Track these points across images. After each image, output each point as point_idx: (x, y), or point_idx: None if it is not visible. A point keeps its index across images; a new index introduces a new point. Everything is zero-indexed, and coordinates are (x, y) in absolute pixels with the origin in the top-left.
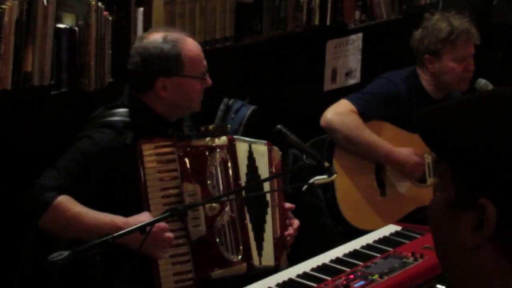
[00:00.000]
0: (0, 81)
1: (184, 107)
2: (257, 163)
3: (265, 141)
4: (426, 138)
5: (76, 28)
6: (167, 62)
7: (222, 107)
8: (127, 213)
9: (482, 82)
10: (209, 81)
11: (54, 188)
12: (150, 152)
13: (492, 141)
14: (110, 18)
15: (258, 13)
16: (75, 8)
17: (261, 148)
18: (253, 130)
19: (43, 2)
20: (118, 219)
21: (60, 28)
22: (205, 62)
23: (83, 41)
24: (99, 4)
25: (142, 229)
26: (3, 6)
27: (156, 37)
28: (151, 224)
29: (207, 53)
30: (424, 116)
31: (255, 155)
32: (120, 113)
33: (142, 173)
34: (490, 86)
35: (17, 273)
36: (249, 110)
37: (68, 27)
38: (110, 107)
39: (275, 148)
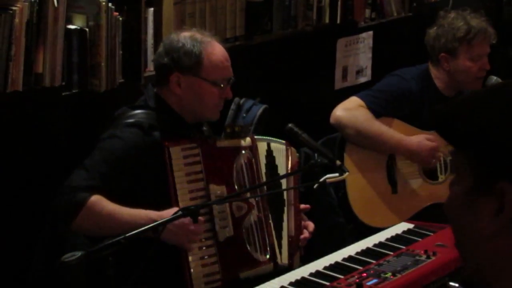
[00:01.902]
0: (11, 82)
1: (198, 111)
2: (277, 162)
3: (284, 141)
4: (442, 130)
5: (87, 29)
6: (185, 58)
7: (233, 106)
8: (155, 209)
9: (493, 79)
10: (230, 93)
11: (86, 188)
12: (177, 155)
13: (509, 125)
14: (121, 19)
15: (268, 12)
16: (86, 9)
17: (280, 147)
18: (264, 129)
19: (53, 3)
20: (152, 213)
21: (70, 29)
22: (228, 72)
23: (94, 42)
24: (109, 4)
25: (154, 229)
26: (14, 8)
27: (185, 33)
28: (163, 224)
29: None
30: (439, 110)
31: (274, 153)
32: (145, 113)
33: (170, 176)
34: None
35: (30, 272)
36: (260, 109)
37: (78, 28)
38: (133, 107)
39: (293, 148)
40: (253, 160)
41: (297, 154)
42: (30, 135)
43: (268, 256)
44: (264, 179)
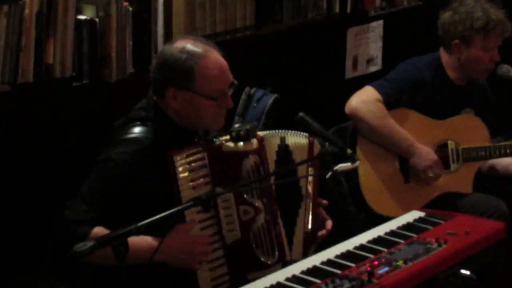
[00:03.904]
0: (22, 73)
1: (198, 124)
2: (294, 156)
3: (306, 134)
4: None
5: (97, 20)
6: (177, 74)
7: (243, 96)
8: (162, 226)
9: (504, 67)
10: (229, 103)
11: (86, 221)
12: (181, 162)
13: None
14: (130, 9)
15: (278, 2)
16: (95, 0)
17: (300, 141)
18: (275, 118)
19: None
20: (154, 241)
21: (80, 20)
22: (224, 83)
23: (104, 32)
24: None
25: (167, 219)
26: None
27: (178, 45)
28: (177, 212)
29: (228, 42)
30: None
31: (291, 148)
32: (142, 127)
33: (175, 185)
34: None
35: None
36: (271, 99)
37: (88, 18)
38: (131, 119)
39: (316, 141)
40: (261, 164)
41: (319, 146)
42: (41, 126)
43: (275, 259)
44: (273, 177)
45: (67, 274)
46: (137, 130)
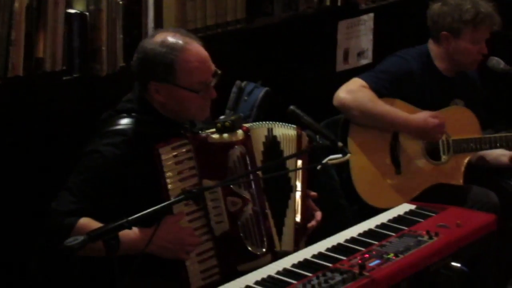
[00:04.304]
0: (12, 67)
1: (182, 116)
2: (282, 147)
3: (294, 126)
4: None
5: (87, 13)
6: (158, 68)
7: (234, 89)
8: (151, 218)
9: (494, 59)
10: (213, 93)
11: (73, 212)
12: (167, 155)
13: None
14: (121, 3)
15: None
16: None
17: (289, 132)
18: (266, 112)
19: None
20: (141, 231)
21: (71, 13)
22: (206, 74)
23: (94, 26)
24: None
25: (158, 213)
26: None
27: (158, 39)
28: (168, 206)
29: (219, 35)
30: None
31: (279, 139)
32: (128, 119)
33: (162, 177)
34: (502, 64)
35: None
36: (262, 92)
37: (79, 12)
38: (117, 111)
39: (304, 133)
40: (247, 154)
41: (307, 138)
42: (32, 120)
43: (265, 249)
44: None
45: (59, 267)
46: (123, 121)
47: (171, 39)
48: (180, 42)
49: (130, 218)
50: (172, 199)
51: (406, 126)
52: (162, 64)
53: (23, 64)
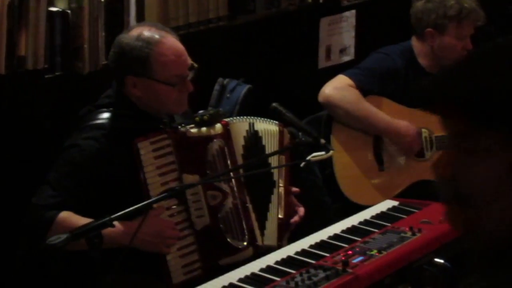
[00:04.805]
0: None
1: (160, 109)
2: (264, 142)
3: (277, 122)
4: (467, 111)
5: (69, 11)
6: (134, 62)
7: (217, 87)
8: (131, 213)
9: None
10: (189, 87)
11: (53, 206)
12: (146, 149)
13: None
14: (103, 0)
15: None
16: None
17: (271, 128)
18: (249, 109)
19: None
20: (121, 225)
21: (52, 12)
22: (181, 67)
23: (76, 24)
24: None
25: (141, 210)
26: None
27: (134, 33)
28: (150, 204)
29: (201, 33)
30: (460, 89)
31: (261, 134)
32: (108, 114)
33: (141, 172)
34: None
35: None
36: (244, 89)
37: (60, 10)
38: (96, 106)
39: (286, 129)
40: (226, 148)
41: (288, 134)
42: (14, 118)
43: (246, 243)
44: (242, 161)
45: (40, 263)
46: (101, 116)
47: (146, 33)
48: (156, 36)
49: (113, 216)
50: (155, 196)
51: (387, 130)
52: (137, 58)
53: (5, 63)
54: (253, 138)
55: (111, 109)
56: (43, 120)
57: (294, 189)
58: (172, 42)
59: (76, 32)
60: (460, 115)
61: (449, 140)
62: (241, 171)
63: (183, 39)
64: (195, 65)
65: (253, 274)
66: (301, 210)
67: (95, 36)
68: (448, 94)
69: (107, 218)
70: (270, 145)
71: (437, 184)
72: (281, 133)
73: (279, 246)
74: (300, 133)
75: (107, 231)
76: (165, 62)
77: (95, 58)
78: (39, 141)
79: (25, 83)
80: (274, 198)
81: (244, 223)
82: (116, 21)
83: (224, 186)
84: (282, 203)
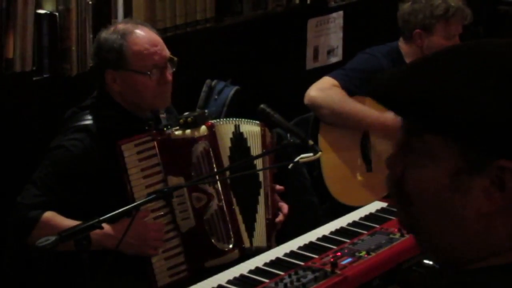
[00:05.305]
0: None
1: (141, 103)
2: (249, 143)
3: (258, 122)
4: (413, 114)
5: (57, 13)
6: (110, 54)
7: (205, 88)
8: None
9: None
10: (167, 77)
11: (37, 205)
12: (130, 152)
13: (502, 101)
14: (90, 2)
15: None
16: None
17: (253, 129)
18: (236, 110)
19: None
20: (106, 227)
21: (40, 14)
22: (157, 57)
23: (64, 26)
24: None
25: (128, 213)
26: None
27: (111, 28)
28: (137, 207)
29: (188, 34)
30: (403, 89)
31: (245, 135)
32: (93, 115)
33: (125, 174)
34: None
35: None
36: (232, 90)
37: (48, 12)
38: (81, 108)
39: (267, 129)
40: (211, 149)
41: (270, 134)
42: (1, 120)
43: (231, 245)
44: (228, 163)
45: (27, 263)
46: (86, 117)
47: (121, 26)
48: (130, 27)
49: (101, 218)
50: (139, 198)
51: (376, 125)
52: (112, 50)
53: None
54: (239, 139)
55: (96, 111)
56: (31, 122)
57: (278, 187)
58: (147, 32)
59: (64, 34)
60: (405, 116)
61: (401, 136)
62: (227, 173)
63: (170, 41)
64: (175, 58)
65: (241, 275)
66: (285, 208)
67: (83, 38)
68: (395, 93)
69: (96, 220)
70: (254, 146)
71: (386, 179)
72: (263, 133)
73: (268, 247)
74: (288, 135)
75: (93, 233)
76: (138, 51)
77: (83, 60)
78: (27, 143)
79: (13, 85)
80: (260, 199)
81: (229, 225)
82: (103, 23)
83: (209, 189)
84: (269, 203)
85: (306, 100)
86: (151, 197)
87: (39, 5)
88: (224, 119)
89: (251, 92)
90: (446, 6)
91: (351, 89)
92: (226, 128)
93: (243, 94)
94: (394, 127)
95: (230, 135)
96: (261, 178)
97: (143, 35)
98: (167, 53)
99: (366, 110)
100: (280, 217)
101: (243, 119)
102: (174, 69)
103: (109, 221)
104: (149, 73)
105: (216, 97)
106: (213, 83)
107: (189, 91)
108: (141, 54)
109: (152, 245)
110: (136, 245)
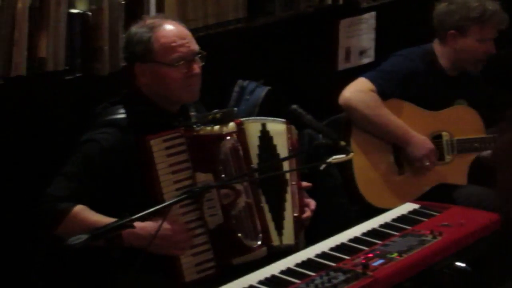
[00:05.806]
0: (14, 67)
1: (170, 96)
2: (275, 141)
3: (283, 120)
4: None
5: (89, 13)
6: (138, 47)
7: (236, 88)
8: (142, 211)
9: None
10: (194, 69)
11: (67, 197)
12: (159, 147)
13: None
14: (123, 2)
15: None
16: None
17: (279, 127)
18: (268, 111)
19: None
20: (136, 225)
21: (73, 13)
22: (184, 49)
23: (96, 25)
24: None
25: (157, 211)
26: None
27: (141, 23)
28: (169, 206)
29: (220, 35)
30: None
31: (272, 134)
32: (123, 110)
33: (153, 169)
34: None
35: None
36: (263, 91)
37: (81, 12)
38: (112, 103)
39: (292, 126)
40: (239, 146)
41: (296, 131)
42: (34, 120)
43: (260, 242)
44: (257, 161)
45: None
46: (116, 112)
47: (151, 20)
48: (159, 21)
49: (133, 217)
50: (168, 193)
51: (404, 141)
52: (141, 43)
53: (26, 64)
54: (266, 138)
55: (127, 105)
56: (63, 121)
57: (305, 183)
58: (175, 25)
59: (96, 33)
60: None
61: None
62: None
63: (201, 41)
64: (203, 52)
65: (272, 276)
66: (312, 204)
67: (115, 37)
68: None
69: (128, 219)
70: (281, 143)
71: None
72: (288, 130)
73: (296, 244)
74: (319, 135)
75: (123, 232)
76: (165, 44)
77: (114, 60)
78: (58, 142)
79: (45, 84)
80: (288, 196)
81: (257, 222)
82: (135, 23)
83: (237, 185)
84: (296, 200)
85: (341, 100)
86: (182, 196)
87: (71, 5)
88: (251, 117)
89: (282, 92)
90: (483, 9)
91: (387, 92)
92: (253, 126)
93: (274, 95)
94: (418, 147)
95: (258, 133)
96: (287, 176)
97: (171, 28)
98: (195, 46)
99: (397, 123)
100: (307, 213)
101: (268, 118)
102: (203, 63)
103: (142, 219)
104: (176, 65)
105: (247, 97)
106: (245, 83)
107: (221, 91)
108: (168, 46)
109: (179, 247)
110: (163, 246)
